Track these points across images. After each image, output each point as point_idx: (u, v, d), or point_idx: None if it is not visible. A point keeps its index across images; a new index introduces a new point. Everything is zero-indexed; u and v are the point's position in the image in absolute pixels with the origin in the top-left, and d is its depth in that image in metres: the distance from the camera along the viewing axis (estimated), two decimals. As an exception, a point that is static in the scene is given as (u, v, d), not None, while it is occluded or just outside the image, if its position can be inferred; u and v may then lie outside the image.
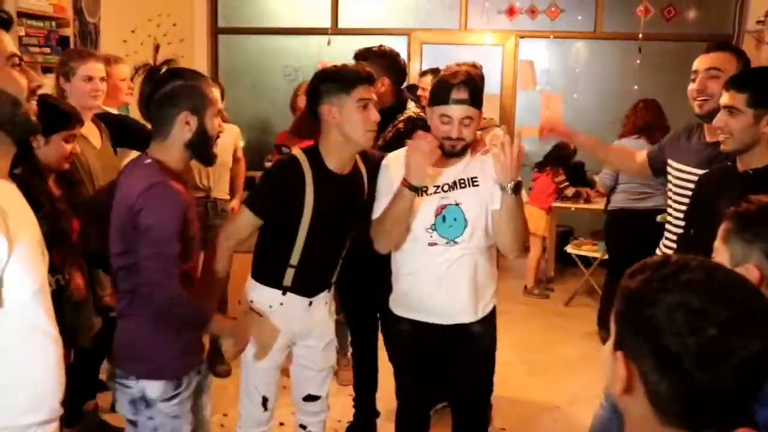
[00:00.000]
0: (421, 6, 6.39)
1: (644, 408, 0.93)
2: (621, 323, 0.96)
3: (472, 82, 2.22)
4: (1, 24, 1.39)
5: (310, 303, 2.37)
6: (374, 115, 2.22)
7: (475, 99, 2.22)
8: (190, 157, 2.03)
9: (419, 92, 3.80)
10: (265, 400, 2.39)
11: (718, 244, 1.39)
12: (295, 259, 2.27)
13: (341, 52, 6.11)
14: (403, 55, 3.29)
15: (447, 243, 2.30)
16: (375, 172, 2.42)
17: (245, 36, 6.66)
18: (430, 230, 2.29)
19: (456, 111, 2.20)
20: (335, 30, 6.38)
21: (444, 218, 2.29)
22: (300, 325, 2.38)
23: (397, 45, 4.27)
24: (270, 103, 6.46)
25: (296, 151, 2.31)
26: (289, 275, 2.29)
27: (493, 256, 2.43)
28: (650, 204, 4.14)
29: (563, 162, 5.72)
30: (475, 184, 2.31)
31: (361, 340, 3.23)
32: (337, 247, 2.41)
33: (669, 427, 0.91)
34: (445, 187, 2.30)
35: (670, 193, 2.51)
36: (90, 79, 2.90)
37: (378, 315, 3.06)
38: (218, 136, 2.06)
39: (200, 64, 6.31)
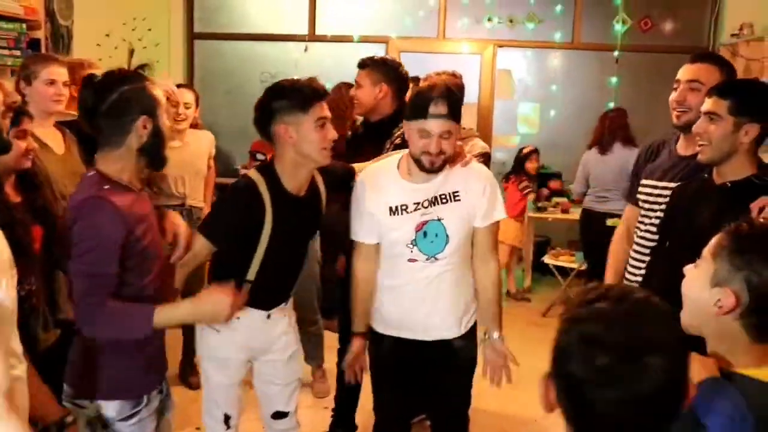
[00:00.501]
0: (400, 14, 6.36)
1: (568, 428, 1.02)
2: (554, 346, 1.04)
3: (451, 95, 2.17)
4: None
5: (269, 316, 2.31)
6: (332, 134, 2.16)
7: (454, 112, 2.17)
8: (143, 163, 1.91)
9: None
10: (227, 418, 2.33)
11: (706, 254, 1.35)
12: (252, 275, 2.20)
13: (318, 58, 6.10)
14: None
15: (427, 259, 2.26)
16: (335, 186, 2.38)
17: (222, 41, 6.57)
18: (410, 245, 2.26)
19: (434, 126, 2.15)
20: (313, 37, 6.33)
21: (425, 234, 2.25)
22: (260, 339, 2.32)
23: (375, 53, 4.22)
24: (246, 109, 6.34)
25: (252, 173, 2.23)
26: (246, 290, 2.22)
27: None
28: (605, 207, 4.82)
29: (521, 166, 5.73)
30: (456, 198, 2.28)
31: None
32: (296, 262, 2.38)
33: None
34: (425, 203, 2.26)
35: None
36: (52, 82, 2.81)
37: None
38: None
39: (176, 69, 6.21)
